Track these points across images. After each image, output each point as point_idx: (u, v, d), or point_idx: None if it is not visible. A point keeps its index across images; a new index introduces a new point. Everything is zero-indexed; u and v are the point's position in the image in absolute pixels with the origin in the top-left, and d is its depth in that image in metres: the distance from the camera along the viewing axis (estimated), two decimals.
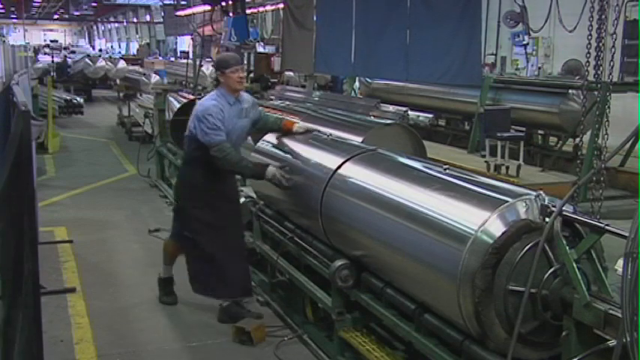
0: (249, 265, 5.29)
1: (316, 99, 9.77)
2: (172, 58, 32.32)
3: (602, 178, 5.81)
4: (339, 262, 4.03)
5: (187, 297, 5.58)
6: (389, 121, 6.33)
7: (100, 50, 41.92)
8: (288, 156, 5.02)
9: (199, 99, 6.34)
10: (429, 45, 8.11)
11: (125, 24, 56.94)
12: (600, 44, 6.07)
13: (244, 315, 4.94)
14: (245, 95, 5.21)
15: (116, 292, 5.71)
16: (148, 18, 47.84)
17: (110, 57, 26.95)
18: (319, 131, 5.19)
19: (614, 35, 8.80)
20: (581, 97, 7.30)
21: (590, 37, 6.09)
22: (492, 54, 19.20)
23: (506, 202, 3.04)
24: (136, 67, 24.00)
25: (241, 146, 5.33)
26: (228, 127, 4.88)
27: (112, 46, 56.97)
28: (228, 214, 5.07)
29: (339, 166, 4.28)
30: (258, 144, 5.56)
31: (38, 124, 3.14)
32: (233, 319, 4.89)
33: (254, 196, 5.68)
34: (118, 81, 21.71)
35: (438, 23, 7.91)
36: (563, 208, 2.88)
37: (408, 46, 8.35)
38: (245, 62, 15.00)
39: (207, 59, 20.51)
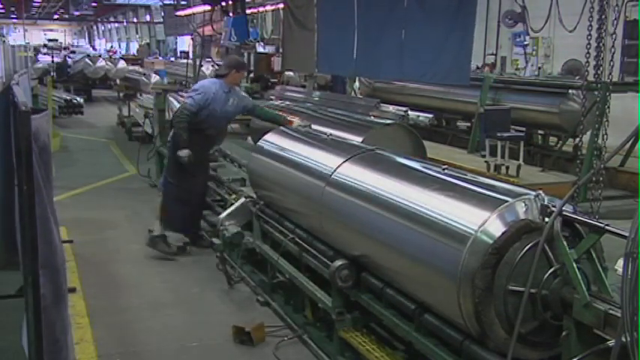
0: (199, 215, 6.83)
1: (316, 99, 9.77)
2: (172, 58, 32.30)
3: (601, 178, 5.82)
4: (339, 262, 4.03)
5: (187, 297, 5.59)
6: (389, 121, 6.34)
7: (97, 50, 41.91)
8: (288, 156, 5.03)
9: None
10: (423, 44, 8.11)
11: (125, 24, 56.94)
12: (600, 44, 6.07)
13: (165, 250, 6.52)
14: (237, 89, 6.93)
15: (116, 292, 5.71)
16: (148, 18, 47.84)
17: (110, 57, 26.93)
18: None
19: (614, 35, 8.80)
20: (581, 97, 7.31)
21: (590, 37, 6.10)
22: (492, 54, 19.21)
23: (506, 202, 3.04)
24: (136, 67, 23.99)
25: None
26: (216, 107, 6.44)
27: (112, 46, 56.93)
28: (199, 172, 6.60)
29: (339, 166, 4.28)
30: (259, 143, 5.57)
31: (43, 115, 3.10)
32: (154, 247, 6.52)
33: (254, 196, 5.68)
34: (118, 81, 21.71)
35: (432, 23, 7.91)
36: (563, 208, 2.87)
37: (404, 46, 8.34)
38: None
39: (207, 59, 20.50)
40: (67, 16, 58.08)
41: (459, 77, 7.63)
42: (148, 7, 45.05)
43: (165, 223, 6.59)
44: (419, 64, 8.14)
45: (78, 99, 17.47)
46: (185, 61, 20.53)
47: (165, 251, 6.59)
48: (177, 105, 9.17)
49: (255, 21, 25.90)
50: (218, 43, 20.10)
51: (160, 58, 34.32)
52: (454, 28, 7.44)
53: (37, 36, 60.82)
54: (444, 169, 3.74)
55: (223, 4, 14.02)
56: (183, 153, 6.31)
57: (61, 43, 50.69)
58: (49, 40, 48.15)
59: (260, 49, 17.68)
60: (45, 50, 32.21)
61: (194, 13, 22.87)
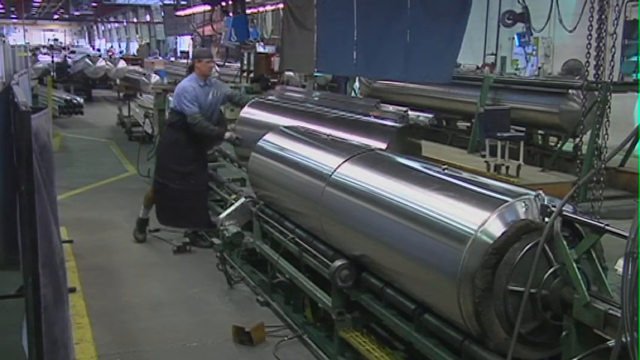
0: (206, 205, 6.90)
1: (316, 99, 9.74)
2: (172, 58, 32.28)
3: (602, 178, 5.82)
4: (339, 262, 4.03)
5: (187, 297, 5.59)
6: (399, 125, 6.13)
7: (99, 50, 41.82)
8: (288, 156, 5.03)
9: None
10: (421, 45, 8.15)
11: (125, 24, 56.90)
12: (600, 44, 6.08)
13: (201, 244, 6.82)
14: (213, 80, 6.99)
15: (116, 292, 5.71)
16: (148, 18, 47.81)
17: (110, 57, 26.92)
18: None
19: (614, 35, 8.80)
20: (581, 97, 7.31)
21: (590, 37, 6.10)
22: (492, 54, 19.20)
23: (506, 202, 3.04)
24: (136, 67, 23.97)
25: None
26: (200, 102, 6.57)
27: (111, 46, 56.89)
28: (195, 166, 6.71)
29: (339, 166, 4.28)
30: (259, 143, 5.57)
31: (42, 113, 3.09)
32: (194, 244, 6.79)
33: (254, 196, 5.68)
34: (118, 81, 21.69)
35: (428, 23, 7.95)
36: (563, 208, 2.87)
37: (404, 46, 8.37)
38: (245, 62, 15.07)
39: None
40: (67, 16, 58.00)
41: (443, 76, 7.75)
42: (148, 7, 44.99)
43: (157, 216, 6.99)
44: (415, 64, 8.18)
45: (78, 99, 17.47)
46: (185, 61, 20.54)
47: (136, 237, 7.08)
48: None
49: (255, 21, 25.92)
50: (218, 43, 20.11)
51: (160, 58, 34.28)
52: (449, 28, 7.50)
53: (37, 36, 60.81)
54: (444, 169, 3.74)
55: (223, 4, 14.02)
56: (227, 135, 6.61)
57: (61, 43, 50.63)
58: (54, 41, 48.06)
59: (260, 49, 17.69)
60: (45, 50, 32.16)
61: (194, 13, 22.88)
